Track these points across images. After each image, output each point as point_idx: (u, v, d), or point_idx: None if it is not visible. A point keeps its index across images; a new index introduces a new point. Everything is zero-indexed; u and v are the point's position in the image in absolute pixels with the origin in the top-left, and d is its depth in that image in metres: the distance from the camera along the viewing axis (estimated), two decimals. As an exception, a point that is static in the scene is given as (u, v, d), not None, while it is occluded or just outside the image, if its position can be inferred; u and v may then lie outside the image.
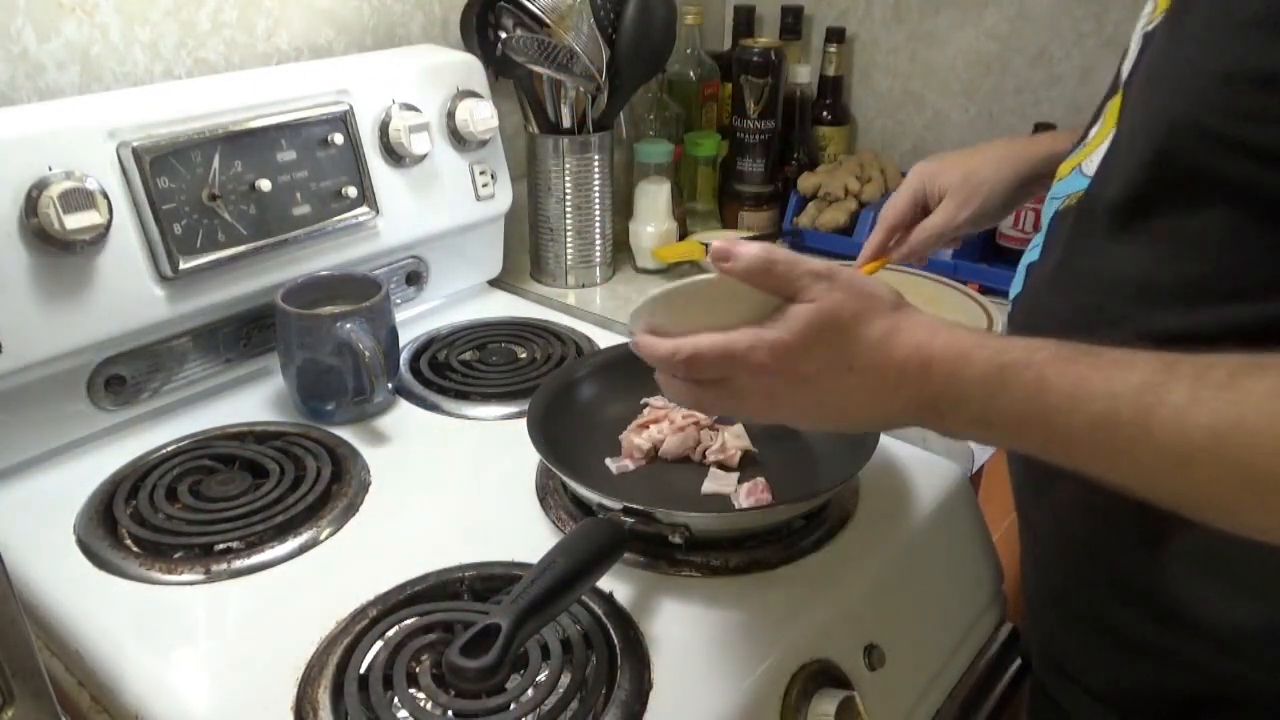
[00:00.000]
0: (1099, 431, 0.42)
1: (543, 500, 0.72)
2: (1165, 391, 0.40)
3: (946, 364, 0.46)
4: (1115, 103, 0.58)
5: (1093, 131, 0.60)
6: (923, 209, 0.79)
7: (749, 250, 0.49)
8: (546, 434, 0.72)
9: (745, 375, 0.49)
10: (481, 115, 0.98)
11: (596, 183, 1.09)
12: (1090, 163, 0.58)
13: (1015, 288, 0.63)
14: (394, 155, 0.93)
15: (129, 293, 0.76)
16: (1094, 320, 0.52)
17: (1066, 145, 0.75)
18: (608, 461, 0.75)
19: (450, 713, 0.53)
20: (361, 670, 0.55)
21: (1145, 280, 0.50)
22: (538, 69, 0.99)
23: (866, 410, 0.49)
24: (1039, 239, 0.62)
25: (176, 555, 0.66)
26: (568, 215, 1.10)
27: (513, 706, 0.53)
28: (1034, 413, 0.44)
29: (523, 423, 0.72)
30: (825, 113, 1.34)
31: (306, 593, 0.63)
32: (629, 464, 0.75)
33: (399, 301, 1.00)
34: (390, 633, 0.58)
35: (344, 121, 0.88)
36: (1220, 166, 0.45)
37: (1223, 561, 0.43)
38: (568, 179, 1.08)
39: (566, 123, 1.06)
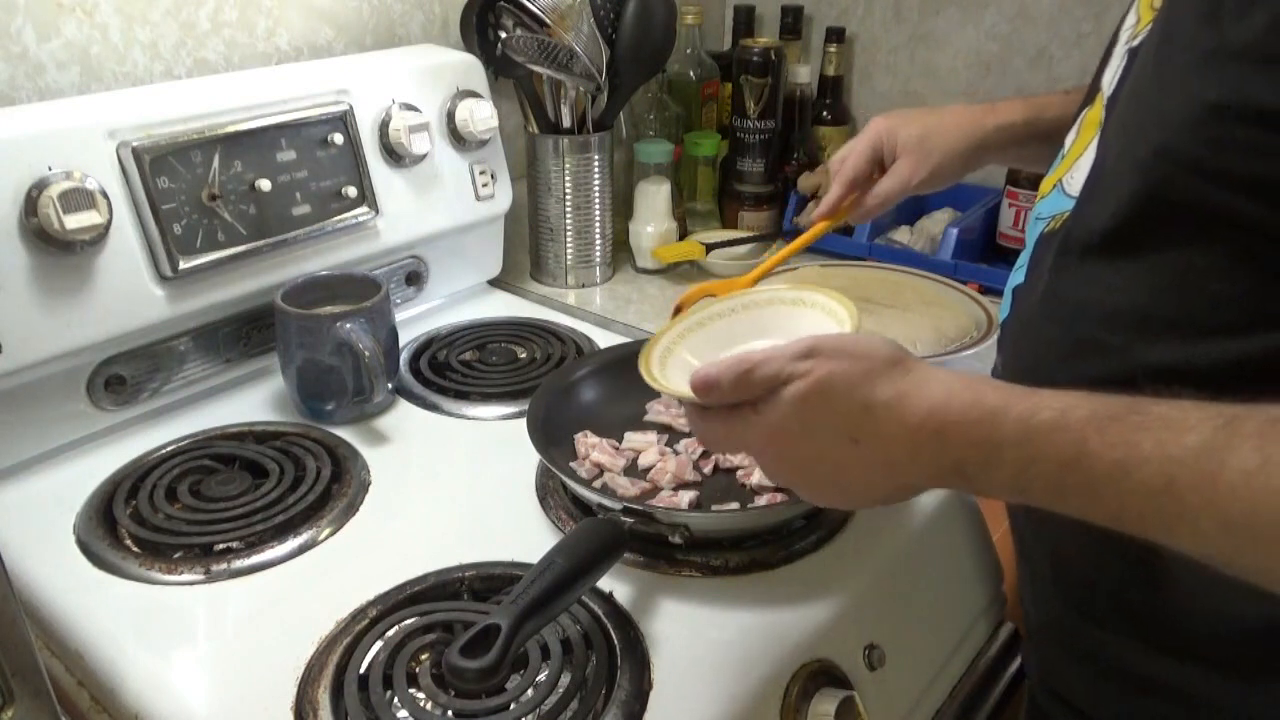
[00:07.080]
0: (1153, 500, 0.38)
1: (543, 500, 0.72)
2: (1229, 454, 0.36)
3: (965, 430, 0.43)
4: (1093, 113, 0.57)
5: (1069, 142, 0.59)
6: (879, 165, 0.78)
7: (723, 372, 0.47)
8: (546, 434, 0.72)
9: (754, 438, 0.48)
10: (481, 115, 0.98)
11: (596, 183, 1.09)
12: (1072, 180, 0.56)
13: (1003, 312, 0.62)
14: (394, 155, 0.93)
15: (129, 293, 0.76)
16: (1090, 352, 0.51)
17: (1023, 115, 0.75)
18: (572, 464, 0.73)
19: (450, 713, 0.53)
20: (361, 670, 0.55)
21: (1142, 312, 0.48)
22: (538, 69, 0.99)
23: (884, 483, 0.47)
24: (1024, 260, 0.60)
25: (176, 555, 0.66)
26: (568, 215, 1.10)
27: (513, 706, 0.53)
28: (1076, 482, 0.40)
29: (523, 423, 0.72)
30: (825, 113, 1.34)
31: (306, 593, 0.63)
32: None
33: (399, 301, 1.00)
34: (390, 633, 0.58)
35: (344, 121, 0.88)
36: (1211, 199, 0.44)
37: (1227, 589, 0.40)
38: (568, 179, 1.08)
39: (566, 123, 1.06)
